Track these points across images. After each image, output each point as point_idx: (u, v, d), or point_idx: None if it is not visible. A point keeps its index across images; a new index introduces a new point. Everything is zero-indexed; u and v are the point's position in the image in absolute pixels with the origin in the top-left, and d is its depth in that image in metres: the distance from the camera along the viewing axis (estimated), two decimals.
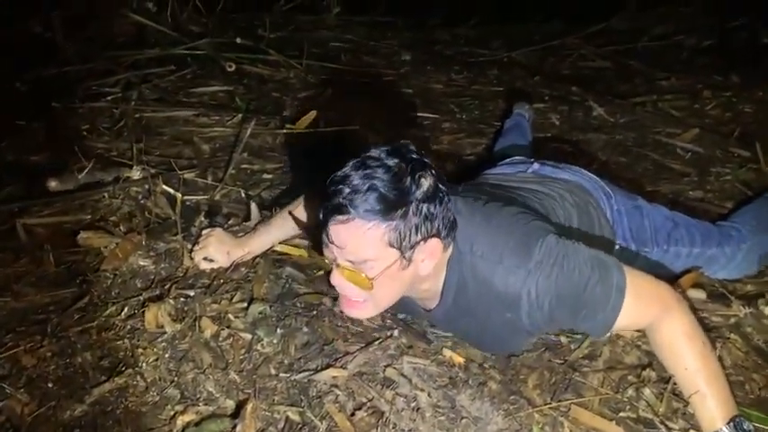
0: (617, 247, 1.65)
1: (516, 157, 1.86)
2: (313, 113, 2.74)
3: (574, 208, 1.57)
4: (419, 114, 2.99)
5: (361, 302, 1.29)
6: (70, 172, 2.04)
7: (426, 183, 1.19)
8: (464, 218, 1.31)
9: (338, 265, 1.24)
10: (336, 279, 1.26)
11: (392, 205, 1.16)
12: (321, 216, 1.20)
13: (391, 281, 1.24)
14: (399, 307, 1.44)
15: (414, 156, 1.21)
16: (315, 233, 1.46)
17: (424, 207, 1.19)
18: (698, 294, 1.65)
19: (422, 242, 1.21)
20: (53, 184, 1.99)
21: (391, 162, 1.17)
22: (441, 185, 1.22)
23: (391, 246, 1.19)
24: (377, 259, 1.20)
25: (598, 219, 1.62)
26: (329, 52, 3.84)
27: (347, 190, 1.16)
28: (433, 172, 1.22)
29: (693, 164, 2.54)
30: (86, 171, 2.02)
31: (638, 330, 1.49)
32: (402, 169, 1.17)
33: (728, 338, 1.51)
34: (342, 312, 1.55)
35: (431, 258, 1.25)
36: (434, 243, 1.23)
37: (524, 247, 1.26)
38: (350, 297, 1.28)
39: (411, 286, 1.30)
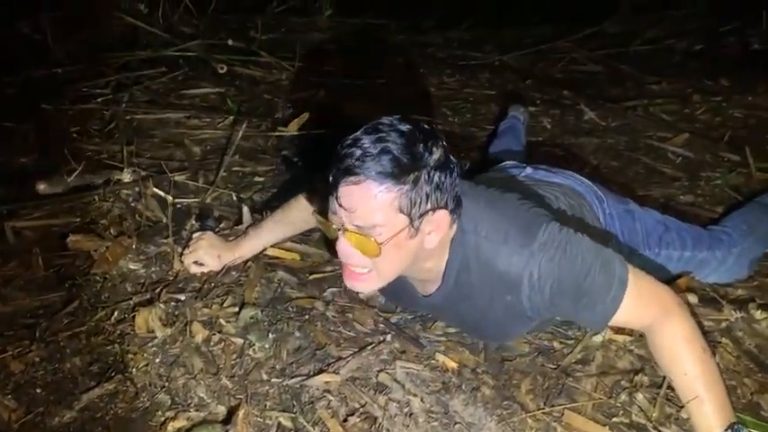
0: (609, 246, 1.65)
1: (509, 162, 1.85)
2: (305, 115, 2.73)
3: (568, 210, 1.57)
4: (411, 117, 2.97)
5: (365, 273, 1.26)
6: (60, 175, 2.02)
7: (438, 151, 1.18)
8: (469, 199, 1.29)
9: (346, 230, 1.21)
10: (343, 245, 1.22)
11: (405, 169, 1.14)
12: (331, 178, 1.17)
13: (398, 250, 1.21)
14: (398, 292, 1.43)
15: (425, 125, 1.21)
16: (321, 205, 1.42)
17: (436, 175, 1.17)
18: (690, 298, 1.65)
19: (431, 212, 1.20)
20: (42, 187, 1.97)
21: (404, 127, 1.16)
22: (451, 157, 1.21)
23: (401, 212, 1.17)
24: (386, 225, 1.17)
25: (591, 222, 1.62)
26: (321, 54, 3.83)
27: (359, 152, 1.13)
28: (444, 144, 1.20)
29: (684, 168, 2.56)
30: (76, 174, 1.99)
31: (633, 333, 1.50)
32: (415, 135, 1.16)
33: (720, 343, 1.52)
34: (335, 316, 1.56)
35: (437, 231, 1.23)
36: (442, 215, 1.21)
37: (528, 229, 1.26)
38: (354, 267, 1.25)
39: (415, 262, 1.28)
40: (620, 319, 1.27)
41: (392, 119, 1.19)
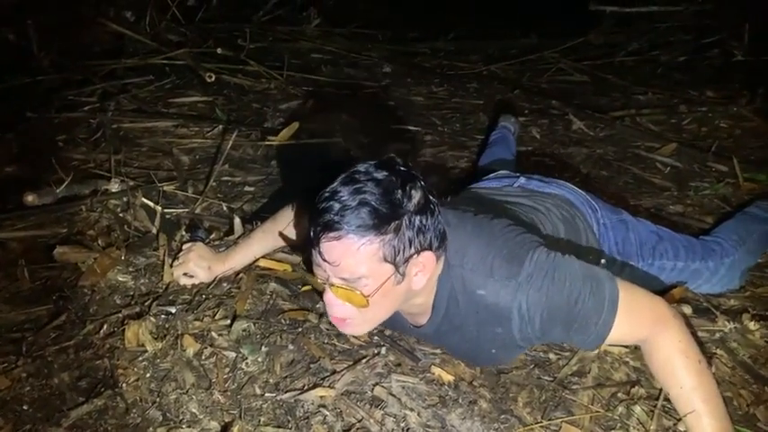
0: (603, 261, 1.65)
1: (501, 172, 1.85)
2: (295, 125, 2.72)
3: (561, 222, 1.57)
4: (401, 127, 2.99)
5: (354, 320, 1.26)
6: (48, 185, 1.98)
7: (417, 195, 1.17)
8: (454, 229, 1.29)
9: (332, 285, 1.21)
10: (330, 299, 1.23)
11: (385, 219, 1.14)
12: (312, 234, 1.17)
13: (385, 297, 1.21)
14: (389, 323, 1.42)
15: (402, 168, 1.20)
16: (301, 249, 1.43)
17: (417, 219, 1.17)
18: (683, 309, 1.65)
19: (415, 255, 1.19)
20: (30, 199, 1.93)
21: (380, 175, 1.16)
22: (431, 197, 1.21)
23: (385, 261, 1.16)
24: (371, 275, 1.17)
25: (585, 233, 1.62)
26: (310, 63, 3.83)
27: (337, 206, 1.13)
28: (422, 184, 1.20)
29: (673, 178, 2.57)
30: (65, 185, 1.96)
31: (628, 346, 1.49)
32: (392, 182, 1.15)
33: (715, 354, 1.52)
34: (328, 329, 1.54)
35: (424, 272, 1.23)
36: (427, 256, 1.21)
37: (515, 259, 1.25)
38: (343, 317, 1.25)
39: (404, 302, 1.28)
40: (614, 337, 1.27)
41: (368, 166, 1.18)
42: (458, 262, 1.27)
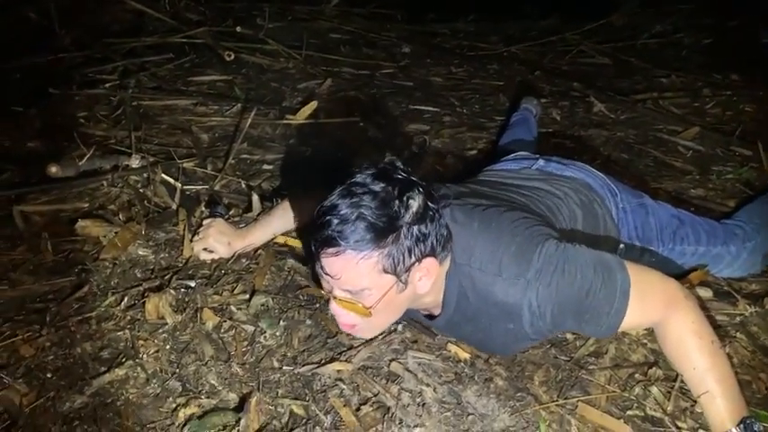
0: (621, 246, 1.63)
1: (521, 153, 1.83)
2: (314, 104, 2.72)
3: (578, 207, 1.55)
4: (419, 107, 2.97)
5: (362, 326, 1.28)
6: (70, 158, 2.01)
7: (415, 203, 1.17)
8: (461, 227, 1.29)
9: (335, 297, 1.23)
10: (335, 308, 1.25)
11: (383, 232, 1.14)
12: (312, 248, 1.19)
13: (389, 305, 1.23)
14: (401, 316, 1.43)
15: (400, 176, 1.19)
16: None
17: (415, 229, 1.17)
18: (704, 293, 1.64)
19: (417, 263, 1.20)
20: (54, 170, 1.95)
21: (377, 187, 1.15)
22: (430, 203, 1.20)
23: (386, 272, 1.17)
24: (373, 287, 1.19)
25: (603, 217, 1.60)
26: (328, 43, 3.81)
27: (335, 221, 1.13)
28: (421, 189, 1.19)
29: (695, 162, 2.54)
30: (87, 158, 1.98)
31: (646, 328, 1.48)
32: (389, 193, 1.15)
33: (734, 337, 1.51)
34: None
35: (428, 276, 1.23)
36: (429, 262, 1.21)
37: (523, 255, 1.24)
38: (350, 324, 1.27)
39: (412, 303, 1.30)
40: (627, 324, 1.26)
41: (366, 176, 1.17)
42: (465, 260, 1.27)
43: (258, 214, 1.85)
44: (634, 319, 1.25)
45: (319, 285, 1.28)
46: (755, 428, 1.17)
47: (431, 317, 1.41)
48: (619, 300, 1.22)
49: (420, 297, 1.28)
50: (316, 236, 1.17)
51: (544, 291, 1.21)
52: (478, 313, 1.30)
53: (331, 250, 1.15)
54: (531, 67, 3.65)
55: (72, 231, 1.76)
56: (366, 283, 1.18)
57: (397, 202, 1.15)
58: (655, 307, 1.26)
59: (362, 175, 1.17)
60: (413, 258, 1.18)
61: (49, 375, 1.34)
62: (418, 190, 1.18)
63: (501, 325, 1.29)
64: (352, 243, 1.13)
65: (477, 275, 1.26)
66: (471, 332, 1.39)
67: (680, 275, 1.64)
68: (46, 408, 1.26)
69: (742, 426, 1.19)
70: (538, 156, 1.77)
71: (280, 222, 1.72)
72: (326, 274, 1.19)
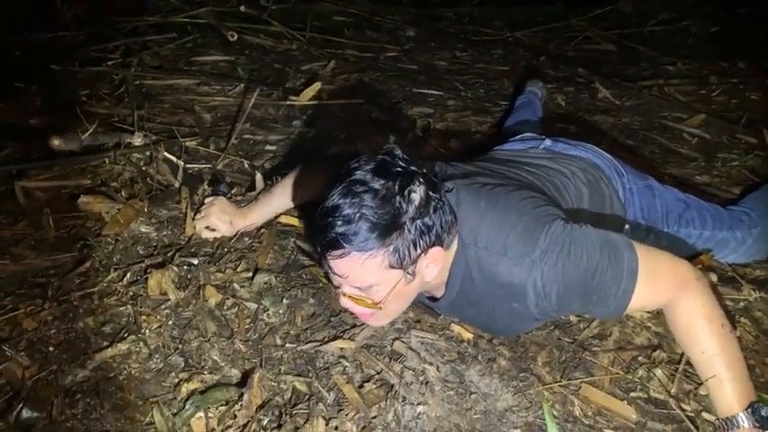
0: (627, 226, 1.62)
1: (528, 134, 1.82)
2: (317, 85, 2.70)
3: (585, 186, 1.54)
4: (423, 91, 2.94)
5: (374, 315, 1.28)
6: (74, 132, 1.99)
7: (417, 196, 1.16)
8: (468, 207, 1.28)
9: (344, 294, 1.24)
10: (345, 303, 1.26)
11: (386, 230, 1.13)
12: (318, 249, 1.19)
13: (399, 296, 1.24)
14: None
15: (399, 168, 1.17)
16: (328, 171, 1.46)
17: (419, 222, 1.16)
18: (708, 277, 1.64)
19: (423, 254, 1.20)
20: (56, 143, 1.94)
21: (377, 184, 1.13)
22: (432, 193, 1.18)
23: (393, 267, 1.17)
24: (381, 283, 1.19)
25: (610, 197, 1.59)
26: (332, 26, 3.77)
27: (338, 222, 1.12)
28: (422, 180, 1.18)
29: (700, 149, 2.52)
30: (89, 132, 1.96)
31: (650, 311, 1.48)
32: (390, 189, 1.13)
33: (739, 322, 1.50)
34: None
35: (435, 263, 1.23)
36: (436, 251, 1.21)
37: (529, 234, 1.22)
38: (363, 314, 1.29)
39: (421, 289, 1.30)
40: (635, 305, 1.25)
41: (365, 172, 1.14)
42: (471, 240, 1.26)
43: (258, 193, 1.84)
44: (643, 299, 1.24)
45: (328, 277, 1.28)
46: (763, 413, 1.16)
47: (433, 298, 1.40)
48: (626, 281, 1.21)
49: (428, 282, 1.28)
50: (320, 238, 1.17)
51: (549, 271, 1.20)
52: (482, 297, 1.29)
53: (336, 252, 1.15)
54: (536, 52, 3.62)
55: (74, 207, 1.75)
56: (374, 280, 1.18)
57: (398, 197, 1.14)
58: (665, 288, 1.25)
59: (362, 171, 1.15)
60: (419, 250, 1.18)
61: (51, 349, 1.33)
62: (419, 181, 1.17)
63: (505, 305, 1.28)
64: (357, 244, 1.13)
65: (482, 255, 1.25)
66: (474, 315, 1.38)
67: (688, 257, 1.64)
68: (48, 381, 1.26)
69: (750, 410, 1.17)
70: (545, 136, 1.76)
71: (280, 200, 1.71)
72: (334, 273, 1.20)
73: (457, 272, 1.29)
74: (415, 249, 1.17)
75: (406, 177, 1.16)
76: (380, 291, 1.20)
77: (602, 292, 1.22)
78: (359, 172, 1.15)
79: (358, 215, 1.12)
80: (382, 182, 1.14)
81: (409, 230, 1.15)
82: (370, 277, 1.18)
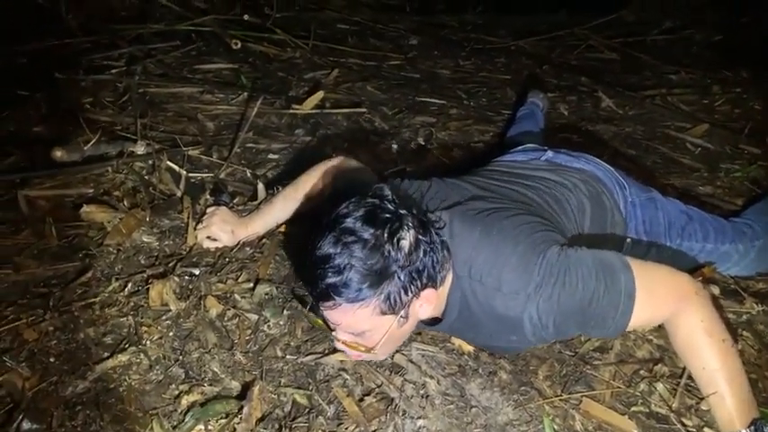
0: (628, 240, 1.62)
1: (529, 145, 1.82)
2: (320, 94, 2.70)
3: (587, 198, 1.54)
4: (426, 99, 2.95)
5: (371, 356, 1.30)
6: (76, 143, 2.00)
7: (407, 243, 1.16)
8: (461, 239, 1.27)
9: (338, 339, 1.26)
10: (340, 345, 1.28)
11: (377, 280, 1.14)
12: (310, 296, 1.21)
13: (393, 338, 1.25)
14: None
15: (388, 214, 1.16)
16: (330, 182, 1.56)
17: (409, 268, 1.16)
18: (711, 290, 1.63)
19: (414, 298, 1.20)
20: (59, 154, 1.95)
21: (367, 234, 1.13)
22: (422, 236, 1.18)
23: (384, 314, 1.18)
24: (374, 329, 1.20)
25: (611, 210, 1.59)
26: (336, 34, 3.79)
27: (329, 274, 1.13)
28: (410, 224, 1.17)
29: (703, 159, 2.52)
30: (92, 143, 1.97)
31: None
32: (379, 238, 1.13)
33: (741, 336, 1.50)
34: None
35: (428, 303, 1.23)
36: (428, 292, 1.21)
37: (524, 267, 1.21)
38: (358, 356, 1.30)
39: (415, 324, 1.30)
40: (636, 324, 1.25)
41: (354, 220, 1.14)
42: (465, 273, 1.25)
43: (260, 203, 1.84)
44: (643, 318, 1.24)
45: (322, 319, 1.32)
46: (766, 431, 1.15)
47: (434, 320, 1.40)
48: (624, 303, 1.21)
49: (423, 319, 1.29)
50: (311, 287, 1.19)
51: (545, 304, 1.20)
52: (480, 323, 1.29)
53: (327, 304, 1.16)
54: (539, 61, 3.63)
55: (76, 217, 1.75)
56: (366, 327, 1.19)
57: (387, 245, 1.14)
58: (665, 303, 1.25)
59: (351, 219, 1.15)
60: (410, 295, 1.18)
61: (51, 360, 1.33)
62: (408, 225, 1.17)
63: (504, 336, 1.29)
64: (347, 296, 1.13)
65: (477, 288, 1.25)
66: (474, 337, 1.39)
67: (690, 270, 1.63)
68: (48, 392, 1.26)
69: (752, 428, 1.17)
70: (546, 147, 1.76)
71: (282, 211, 1.71)
72: (327, 320, 1.23)
73: (453, 301, 1.29)
74: (407, 294, 1.18)
75: (394, 223, 1.16)
76: (374, 336, 1.22)
77: (600, 318, 1.22)
78: (348, 220, 1.15)
79: (348, 266, 1.12)
80: (371, 231, 1.14)
81: (399, 278, 1.16)
82: (362, 325, 1.19)
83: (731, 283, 1.69)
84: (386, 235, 1.14)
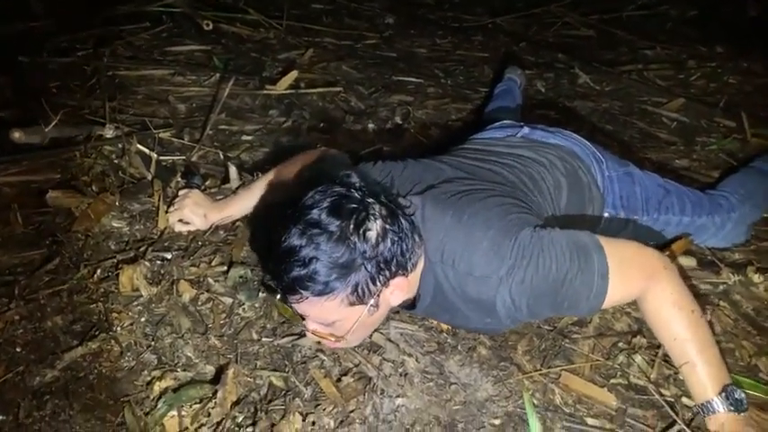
0: (606, 215, 1.61)
1: (506, 121, 1.79)
2: (294, 74, 2.66)
3: (563, 176, 1.52)
4: (403, 78, 2.91)
5: (342, 344, 1.27)
6: (37, 124, 1.93)
7: (373, 233, 1.13)
8: (433, 223, 1.24)
9: (308, 328, 1.24)
10: (311, 334, 1.26)
11: (343, 272, 1.11)
12: (278, 288, 1.18)
13: (364, 325, 1.23)
14: None
15: (354, 204, 1.13)
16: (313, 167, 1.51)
17: (376, 259, 1.14)
18: (688, 262, 1.64)
19: (383, 287, 1.18)
20: (17, 135, 1.87)
21: (333, 226, 1.10)
22: (389, 225, 1.15)
23: (353, 305, 1.15)
24: (343, 318, 1.18)
25: (588, 185, 1.58)
26: (310, 13, 3.72)
27: (294, 267, 1.10)
28: (377, 213, 1.14)
29: (679, 133, 2.52)
30: (54, 124, 1.90)
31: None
32: (345, 230, 1.10)
33: (718, 305, 1.50)
34: None
35: (399, 290, 1.21)
36: (398, 280, 1.19)
37: (495, 251, 1.19)
38: (328, 345, 1.28)
39: (388, 310, 1.28)
40: (609, 303, 1.24)
41: (320, 212, 1.11)
42: (437, 258, 1.23)
43: (237, 187, 1.80)
44: (616, 297, 1.23)
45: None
46: (737, 396, 1.16)
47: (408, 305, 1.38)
48: (598, 284, 1.20)
49: (396, 305, 1.27)
50: (277, 280, 1.16)
51: (517, 287, 1.19)
52: (455, 306, 1.27)
53: (294, 297, 1.14)
54: (516, 38, 3.60)
55: (43, 203, 1.71)
56: (335, 317, 1.17)
57: (353, 237, 1.11)
58: (636, 282, 1.24)
59: (317, 210, 1.11)
60: (378, 285, 1.16)
61: (18, 349, 1.29)
62: (374, 216, 1.14)
63: (479, 318, 1.27)
64: (313, 289, 1.11)
65: (449, 272, 1.23)
66: (450, 319, 1.38)
67: (663, 245, 1.63)
68: (15, 382, 1.23)
69: (723, 394, 1.17)
70: (522, 123, 1.73)
71: (260, 195, 1.67)
72: (296, 312, 1.21)
73: (427, 286, 1.27)
74: (375, 285, 1.15)
75: (361, 213, 1.13)
76: (344, 325, 1.19)
77: (573, 299, 1.21)
78: (314, 211, 1.12)
79: (314, 259, 1.09)
80: (337, 222, 1.11)
81: (366, 268, 1.13)
82: (331, 316, 1.17)
83: (708, 255, 1.70)
84: (352, 226, 1.11)
